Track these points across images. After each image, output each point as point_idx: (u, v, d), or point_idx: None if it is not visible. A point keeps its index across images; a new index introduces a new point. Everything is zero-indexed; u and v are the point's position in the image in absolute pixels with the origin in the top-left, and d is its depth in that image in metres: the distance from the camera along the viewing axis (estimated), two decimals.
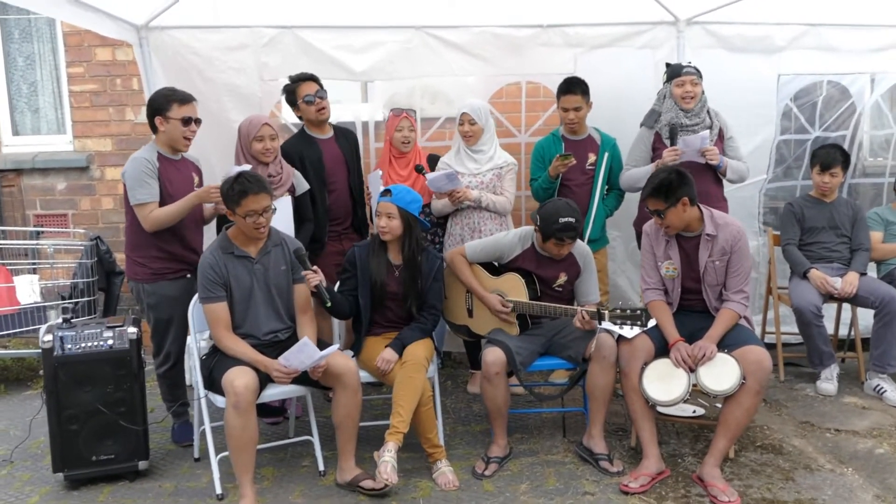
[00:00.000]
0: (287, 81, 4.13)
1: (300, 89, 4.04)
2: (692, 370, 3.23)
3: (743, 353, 3.20)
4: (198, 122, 3.58)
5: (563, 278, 3.61)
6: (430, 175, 4.02)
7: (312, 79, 4.06)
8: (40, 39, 5.65)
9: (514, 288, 3.62)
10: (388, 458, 3.11)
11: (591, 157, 4.25)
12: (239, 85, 4.37)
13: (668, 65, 4.16)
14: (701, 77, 4.03)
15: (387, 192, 3.50)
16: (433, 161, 4.30)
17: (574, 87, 4.13)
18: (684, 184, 3.31)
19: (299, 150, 4.05)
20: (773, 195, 4.94)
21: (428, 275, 3.56)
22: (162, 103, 3.50)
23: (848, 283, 4.14)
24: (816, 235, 4.38)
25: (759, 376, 3.14)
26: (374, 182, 4.04)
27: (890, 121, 5.09)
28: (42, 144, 5.65)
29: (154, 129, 3.55)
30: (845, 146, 4.74)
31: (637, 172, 4.11)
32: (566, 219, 3.41)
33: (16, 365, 5.10)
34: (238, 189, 3.15)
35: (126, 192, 3.50)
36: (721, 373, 3.18)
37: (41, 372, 3.45)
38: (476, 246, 3.74)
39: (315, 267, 3.39)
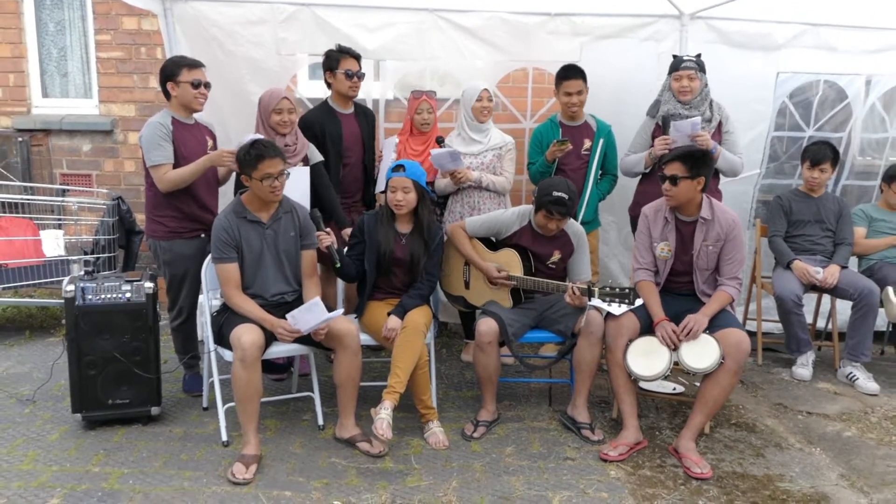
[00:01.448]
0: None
1: (345, 61, 4.06)
2: (675, 348, 3.32)
3: (724, 335, 3.29)
4: (207, 85, 3.66)
5: (556, 256, 3.70)
6: (434, 151, 4.09)
7: (358, 58, 4.12)
8: (70, 6, 5.70)
9: (510, 262, 3.71)
10: (384, 415, 3.20)
11: (587, 143, 4.31)
12: (257, 58, 4.38)
13: (674, 56, 4.20)
14: (703, 71, 4.06)
15: (400, 167, 3.54)
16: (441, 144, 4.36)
17: (575, 72, 4.20)
18: (709, 166, 3.43)
19: (321, 122, 4.10)
20: (766, 190, 4.97)
21: (430, 244, 3.65)
22: (172, 69, 3.60)
23: (830, 273, 4.22)
24: (802, 228, 4.45)
25: (738, 357, 3.23)
26: (388, 147, 4.12)
27: (886, 124, 5.07)
28: (70, 107, 5.74)
29: (167, 95, 3.64)
30: (841, 148, 4.74)
31: (633, 158, 4.23)
32: (559, 193, 3.49)
33: (40, 313, 5.27)
34: (255, 154, 3.26)
35: (143, 155, 3.61)
36: (702, 352, 3.27)
37: (63, 320, 3.58)
38: (476, 221, 3.83)
39: (328, 229, 3.47)
